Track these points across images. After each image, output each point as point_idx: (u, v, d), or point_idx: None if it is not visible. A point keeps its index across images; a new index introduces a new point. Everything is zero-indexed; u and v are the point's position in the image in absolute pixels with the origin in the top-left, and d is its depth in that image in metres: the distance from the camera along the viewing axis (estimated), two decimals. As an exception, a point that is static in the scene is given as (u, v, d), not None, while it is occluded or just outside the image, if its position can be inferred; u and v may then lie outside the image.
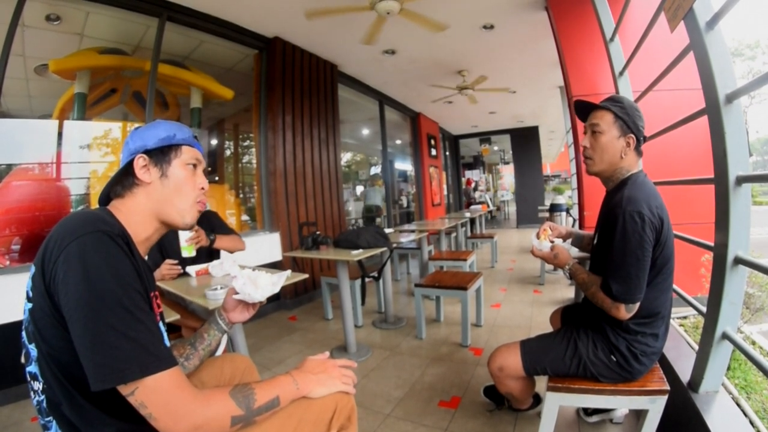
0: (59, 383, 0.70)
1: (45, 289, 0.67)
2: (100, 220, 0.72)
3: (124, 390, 0.65)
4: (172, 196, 0.87)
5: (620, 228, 1.18)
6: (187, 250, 1.94)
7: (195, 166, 0.92)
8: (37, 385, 0.72)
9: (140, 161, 0.85)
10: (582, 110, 1.41)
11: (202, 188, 0.93)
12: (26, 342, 0.73)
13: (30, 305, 0.71)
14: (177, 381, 0.69)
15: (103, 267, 0.66)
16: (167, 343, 0.87)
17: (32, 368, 0.72)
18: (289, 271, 1.23)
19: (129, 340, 0.65)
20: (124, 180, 0.86)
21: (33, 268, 0.72)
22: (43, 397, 0.72)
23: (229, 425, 0.73)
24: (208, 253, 2.21)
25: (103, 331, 0.64)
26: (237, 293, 1.03)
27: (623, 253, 1.17)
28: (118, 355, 0.64)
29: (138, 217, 0.85)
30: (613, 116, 1.29)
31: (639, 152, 1.32)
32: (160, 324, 0.83)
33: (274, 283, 1.06)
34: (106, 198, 0.88)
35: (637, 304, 1.20)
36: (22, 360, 0.75)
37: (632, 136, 1.28)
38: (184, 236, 1.92)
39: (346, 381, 0.95)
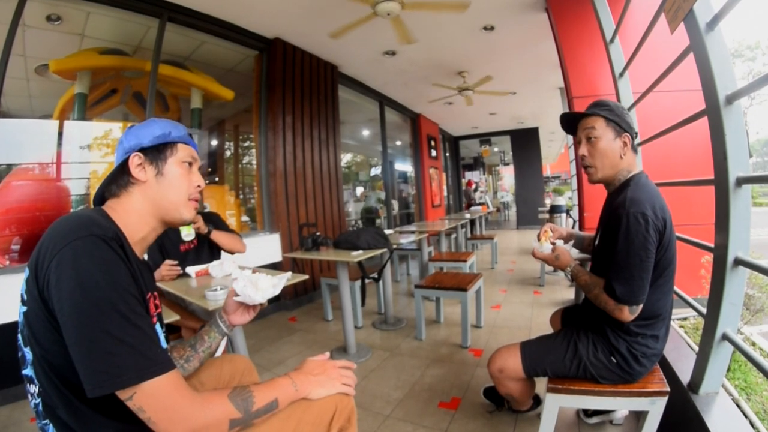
0: (54, 386, 0.69)
1: (38, 293, 0.67)
2: (94, 223, 0.71)
3: (121, 395, 0.65)
4: (167, 193, 0.86)
5: (624, 229, 1.17)
6: (186, 229, 1.99)
7: (191, 164, 0.92)
8: (33, 388, 0.72)
9: (135, 159, 0.84)
10: (568, 122, 1.41)
11: (198, 186, 0.92)
12: (21, 345, 0.72)
13: (24, 308, 0.70)
14: (175, 385, 0.68)
15: (97, 272, 0.65)
16: (164, 344, 0.87)
17: (28, 371, 0.72)
18: (289, 273, 1.23)
19: (125, 346, 0.64)
20: (119, 179, 0.85)
21: (27, 271, 0.71)
22: (39, 400, 0.71)
23: (227, 428, 0.73)
24: (209, 254, 2.22)
25: (98, 338, 0.63)
26: (237, 295, 1.03)
27: (627, 254, 1.17)
28: (114, 361, 0.63)
29: (134, 216, 0.84)
30: (604, 120, 1.29)
31: (635, 150, 1.32)
32: (158, 326, 0.83)
33: (275, 285, 1.05)
34: (100, 198, 0.87)
35: (641, 306, 1.20)
36: (19, 355, 0.74)
37: (627, 134, 1.29)
38: None
39: (345, 382, 0.95)
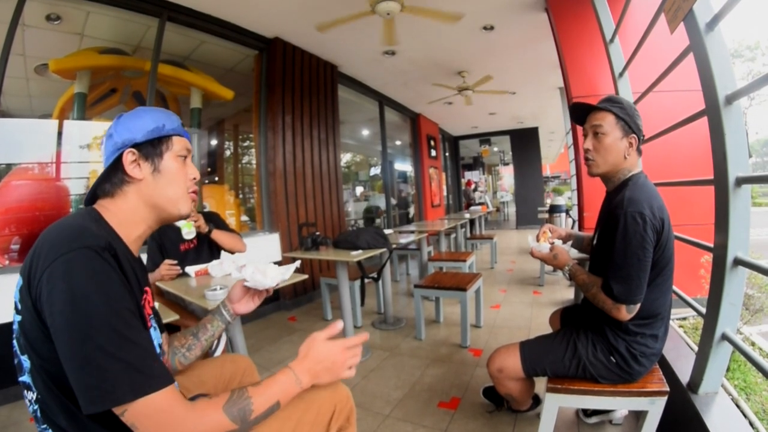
0: (53, 395, 0.68)
1: (32, 305, 0.65)
2: (86, 233, 0.68)
3: (115, 411, 0.63)
4: (165, 190, 0.83)
5: (621, 229, 1.17)
6: (187, 227, 1.95)
7: (185, 157, 0.88)
8: (31, 395, 0.70)
9: (129, 156, 0.80)
10: (579, 113, 1.40)
11: (194, 178, 0.89)
12: (18, 352, 0.71)
13: (19, 317, 0.69)
14: (169, 401, 0.66)
15: (89, 286, 0.63)
16: (159, 340, 0.85)
17: (25, 378, 0.70)
18: (297, 263, 1.21)
19: (119, 362, 0.62)
20: (112, 177, 0.81)
21: (20, 280, 0.69)
22: (36, 406, 0.70)
23: None
24: (209, 253, 2.22)
25: (92, 354, 0.61)
26: (245, 283, 1.01)
27: (624, 254, 1.17)
28: (107, 377, 0.61)
29: (129, 215, 0.81)
30: (614, 117, 1.28)
31: (639, 152, 1.32)
32: (153, 320, 0.82)
33: (283, 273, 1.04)
34: (92, 196, 0.83)
35: (638, 305, 1.20)
36: (15, 363, 0.73)
37: (634, 136, 1.28)
38: None
39: (352, 363, 0.88)
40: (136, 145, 0.81)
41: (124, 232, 0.79)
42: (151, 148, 0.82)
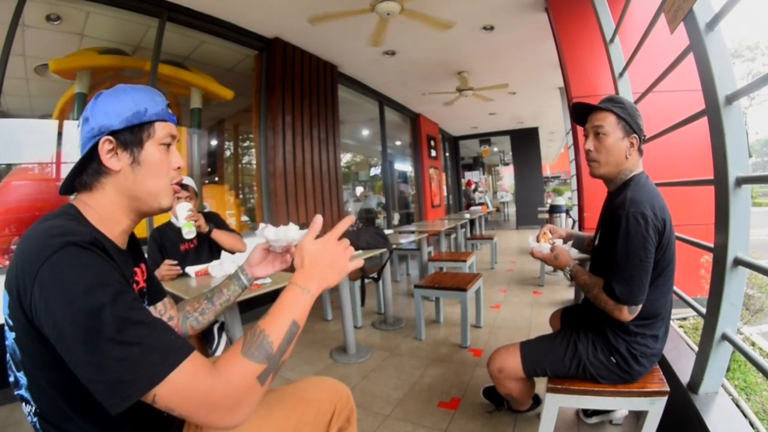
0: (55, 407, 0.65)
1: (27, 321, 0.61)
2: (67, 231, 0.63)
3: (146, 399, 0.58)
4: (145, 183, 0.76)
5: (623, 229, 1.17)
6: (187, 226, 1.83)
7: (169, 144, 0.80)
8: (29, 408, 0.68)
9: (106, 145, 0.72)
10: (580, 114, 1.40)
11: (178, 167, 0.82)
12: (14, 369, 0.67)
13: (13, 334, 0.64)
14: (192, 372, 0.60)
15: (83, 282, 0.58)
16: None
17: (23, 392, 0.67)
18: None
19: (135, 347, 0.57)
20: (88, 167, 0.74)
21: (7, 297, 0.63)
22: (36, 419, 0.68)
23: (260, 386, 0.64)
24: (209, 253, 2.22)
25: (105, 348, 0.56)
26: (270, 242, 0.97)
27: (626, 254, 1.17)
28: (129, 367, 0.56)
29: (109, 211, 0.76)
30: (615, 117, 1.28)
31: (640, 152, 1.32)
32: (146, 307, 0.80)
33: (306, 232, 1.00)
34: (69, 187, 0.77)
35: (640, 306, 1.20)
36: (10, 379, 0.70)
37: (635, 136, 1.29)
38: (182, 212, 1.85)
39: (349, 253, 0.80)
40: (114, 133, 0.73)
41: (107, 228, 0.75)
42: (131, 135, 0.74)
